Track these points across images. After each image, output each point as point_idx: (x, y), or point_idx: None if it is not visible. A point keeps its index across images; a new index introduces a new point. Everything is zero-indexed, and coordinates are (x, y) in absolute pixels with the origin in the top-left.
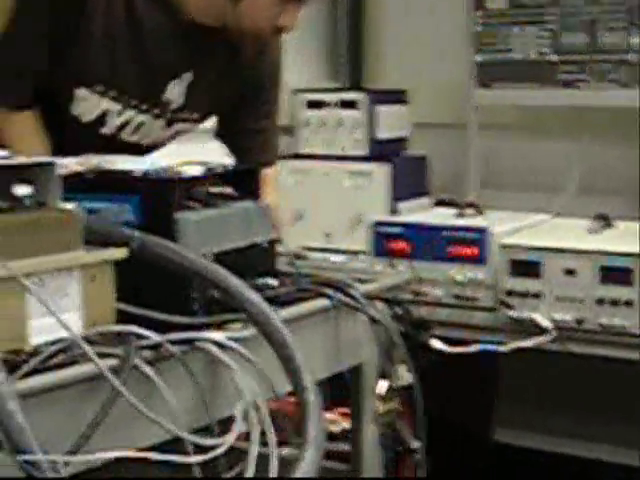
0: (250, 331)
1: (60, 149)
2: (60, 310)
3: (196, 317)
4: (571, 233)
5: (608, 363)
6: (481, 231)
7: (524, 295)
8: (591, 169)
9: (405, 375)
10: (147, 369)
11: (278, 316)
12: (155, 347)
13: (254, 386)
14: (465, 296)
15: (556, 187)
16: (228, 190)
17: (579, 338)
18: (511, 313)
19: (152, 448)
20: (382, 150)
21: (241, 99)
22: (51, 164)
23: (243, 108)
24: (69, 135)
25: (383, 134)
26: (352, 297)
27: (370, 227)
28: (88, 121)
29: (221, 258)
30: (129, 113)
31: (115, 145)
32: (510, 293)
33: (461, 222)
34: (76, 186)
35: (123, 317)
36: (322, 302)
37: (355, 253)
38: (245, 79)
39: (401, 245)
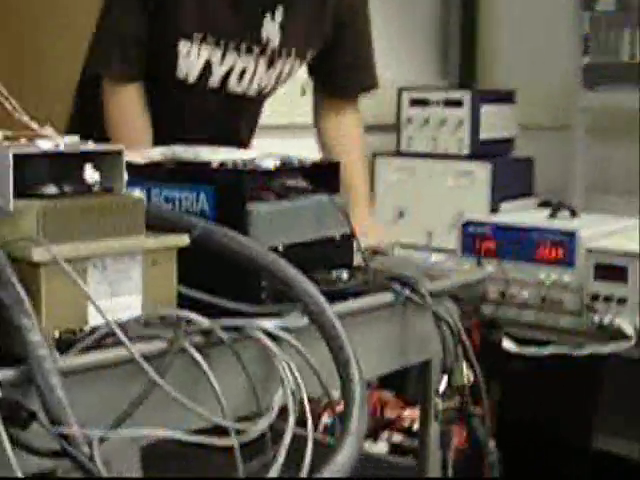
0: (303, 321)
1: (164, 127)
2: (121, 292)
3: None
4: None
5: None
6: (569, 234)
7: (609, 300)
8: None
9: (468, 374)
10: (195, 354)
11: (334, 309)
12: (207, 333)
13: (297, 376)
14: (551, 299)
15: None
16: (303, 183)
17: None
18: (595, 317)
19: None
20: (485, 150)
21: (336, 31)
22: (119, 152)
23: (340, 39)
24: (177, 109)
25: (487, 134)
26: (419, 293)
27: (460, 226)
28: (194, 80)
29: (291, 250)
30: (231, 58)
31: (223, 102)
32: (595, 297)
33: (551, 224)
34: (157, 175)
35: (188, 302)
36: (386, 297)
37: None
38: (337, 9)
39: (489, 245)
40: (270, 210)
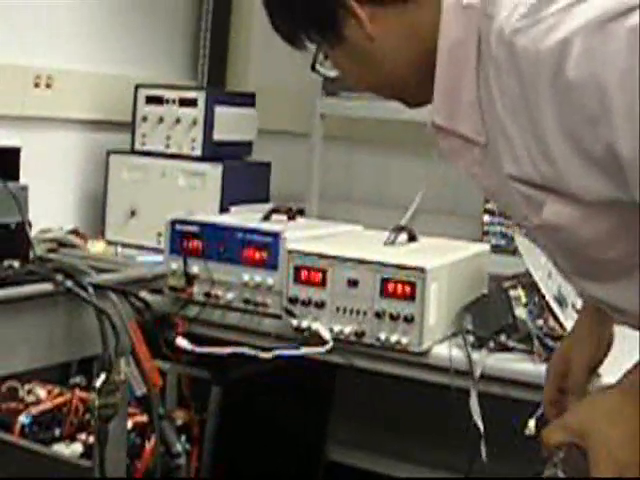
0: None
1: None
2: None
3: None
4: (367, 243)
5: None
6: (274, 235)
7: (307, 304)
8: (435, 186)
9: (126, 370)
10: None
11: None
12: None
13: None
14: (254, 301)
15: (398, 203)
16: None
17: (358, 351)
18: (294, 321)
19: None
20: (220, 152)
21: None
22: None
23: None
24: None
25: (222, 135)
26: (80, 285)
27: (167, 225)
28: None
29: None
30: None
31: None
32: (294, 301)
33: (259, 225)
34: None
35: None
36: (47, 286)
37: None
38: None
39: (196, 244)
40: None
